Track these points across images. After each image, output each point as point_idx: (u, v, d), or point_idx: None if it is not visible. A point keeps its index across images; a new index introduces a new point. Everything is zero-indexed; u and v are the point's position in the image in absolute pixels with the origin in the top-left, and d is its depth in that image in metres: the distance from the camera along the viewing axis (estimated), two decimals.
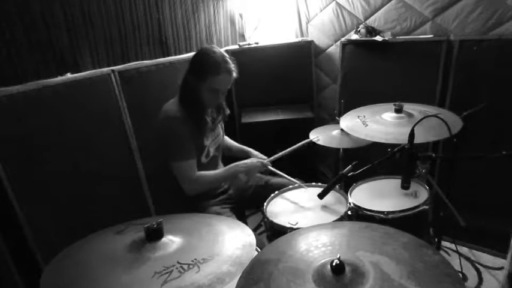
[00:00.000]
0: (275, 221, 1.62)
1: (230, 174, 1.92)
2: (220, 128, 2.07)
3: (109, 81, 2.05)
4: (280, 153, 2.04)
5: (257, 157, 2.07)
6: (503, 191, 2.23)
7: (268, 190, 1.92)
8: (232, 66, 1.82)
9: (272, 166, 2.02)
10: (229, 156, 2.17)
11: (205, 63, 1.78)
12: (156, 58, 2.37)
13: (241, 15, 3.09)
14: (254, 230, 2.42)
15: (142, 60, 2.27)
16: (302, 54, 2.97)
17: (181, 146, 1.79)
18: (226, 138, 2.22)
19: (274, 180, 2.10)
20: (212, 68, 1.77)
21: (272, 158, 2.03)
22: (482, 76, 2.25)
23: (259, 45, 2.96)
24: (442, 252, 2.19)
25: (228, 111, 2.05)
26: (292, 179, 1.96)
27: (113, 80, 2.06)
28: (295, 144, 2.09)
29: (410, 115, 1.79)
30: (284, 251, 1.04)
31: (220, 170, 1.97)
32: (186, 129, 1.79)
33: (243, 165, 1.92)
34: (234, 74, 1.83)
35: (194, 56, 1.86)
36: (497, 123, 2.21)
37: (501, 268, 2.15)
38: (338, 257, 0.91)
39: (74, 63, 1.97)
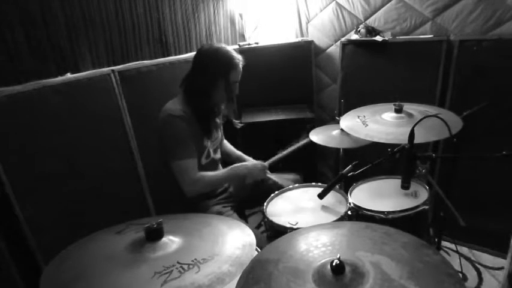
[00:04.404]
0: (275, 221, 1.62)
1: (230, 176, 1.91)
2: (219, 130, 2.07)
3: (109, 81, 2.04)
4: (278, 156, 2.02)
5: None
6: (503, 191, 2.23)
7: (267, 186, 1.91)
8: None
9: (269, 169, 2.01)
10: (229, 162, 2.16)
11: (226, 60, 1.82)
12: (156, 58, 2.37)
13: (241, 15, 3.09)
14: (256, 229, 2.41)
15: (143, 60, 2.27)
16: (302, 54, 2.97)
17: (183, 145, 1.77)
18: (227, 143, 2.22)
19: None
20: (232, 63, 1.83)
21: (270, 160, 2.01)
22: (482, 76, 2.24)
23: (259, 45, 2.95)
24: (442, 252, 2.19)
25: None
26: (285, 181, 1.93)
27: (112, 80, 2.06)
28: (294, 144, 2.08)
29: (410, 115, 1.79)
30: (284, 251, 1.04)
31: (221, 170, 1.96)
32: (189, 128, 1.78)
33: (244, 167, 1.92)
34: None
35: (205, 57, 1.85)
36: (497, 123, 2.21)
37: (501, 268, 2.15)
38: (338, 257, 0.91)
39: (74, 63, 1.97)
